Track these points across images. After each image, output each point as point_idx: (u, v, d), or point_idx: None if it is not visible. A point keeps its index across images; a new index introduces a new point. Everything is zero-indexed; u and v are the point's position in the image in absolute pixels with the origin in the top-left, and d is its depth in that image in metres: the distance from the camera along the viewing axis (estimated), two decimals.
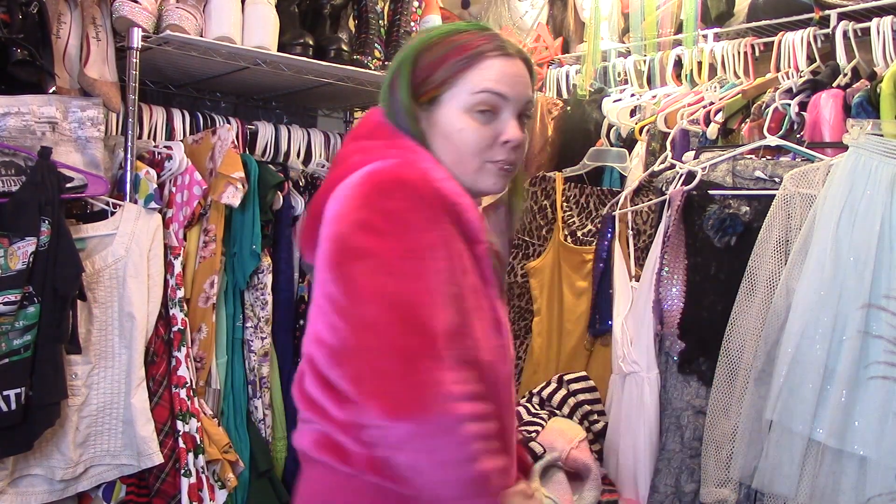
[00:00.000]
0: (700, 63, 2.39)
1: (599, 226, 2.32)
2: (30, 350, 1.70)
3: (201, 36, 2.12)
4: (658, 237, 1.98)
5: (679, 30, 2.51)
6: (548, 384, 2.17)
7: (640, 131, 2.37)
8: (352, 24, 2.54)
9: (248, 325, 2.14)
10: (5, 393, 1.66)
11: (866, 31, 2.02)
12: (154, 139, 2.23)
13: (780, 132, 1.96)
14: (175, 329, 1.97)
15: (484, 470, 0.96)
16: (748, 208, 1.87)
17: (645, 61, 2.54)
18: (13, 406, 1.67)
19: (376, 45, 2.45)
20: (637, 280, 2.08)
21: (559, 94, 2.73)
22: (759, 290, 1.76)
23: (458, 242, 1.05)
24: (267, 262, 2.15)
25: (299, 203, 2.33)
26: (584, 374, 2.17)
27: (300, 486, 1.10)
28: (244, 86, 2.54)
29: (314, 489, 1.08)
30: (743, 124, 2.13)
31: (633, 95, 2.50)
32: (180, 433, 1.91)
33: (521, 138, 1.16)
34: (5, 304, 1.66)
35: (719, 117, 2.14)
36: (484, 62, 1.14)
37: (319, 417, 1.03)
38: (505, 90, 1.13)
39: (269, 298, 2.16)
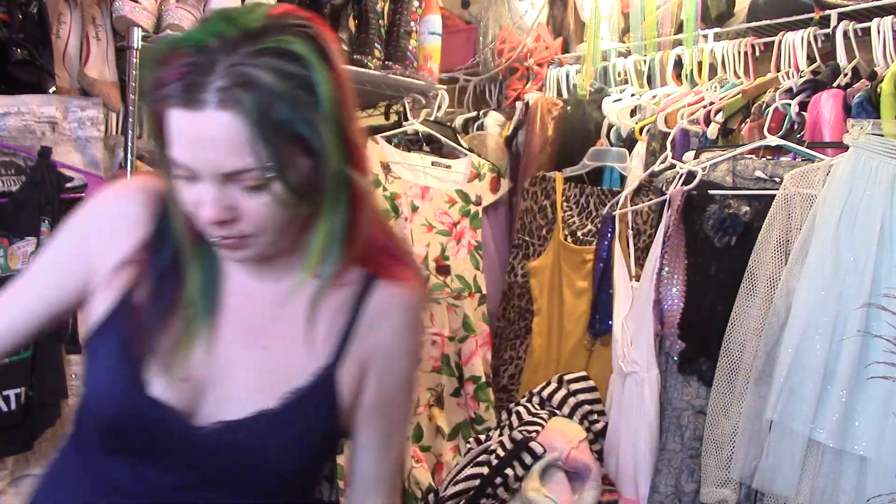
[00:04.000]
0: (700, 63, 2.39)
1: (599, 226, 2.32)
2: (30, 350, 1.70)
3: None
4: (658, 237, 1.98)
5: (679, 30, 2.51)
6: (548, 384, 2.17)
7: (640, 131, 2.37)
8: (352, 23, 2.54)
9: None
10: (5, 393, 1.66)
11: (866, 31, 2.02)
12: None
13: (781, 132, 1.95)
14: None
15: None
16: (748, 208, 1.87)
17: (645, 61, 2.54)
18: (13, 406, 1.67)
19: (376, 44, 2.45)
20: (637, 280, 2.08)
21: (559, 94, 2.73)
22: (759, 290, 1.76)
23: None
24: None
25: None
26: (584, 374, 2.17)
27: None
28: None
29: None
30: (743, 124, 2.13)
31: (633, 95, 2.50)
32: None
33: (216, 217, 0.81)
34: None
35: (719, 117, 2.14)
36: (168, 114, 0.80)
37: None
38: (186, 160, 0.80)
39: None
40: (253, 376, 0.90)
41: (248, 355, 0.91)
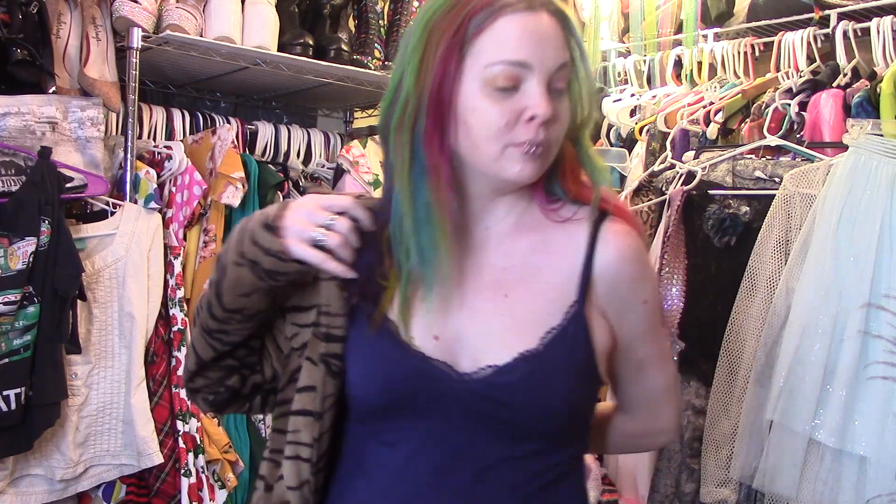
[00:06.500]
0: (700, 63, 2.39)
1: None
2: (30, 350, 1.70)
3: (201, 36, 2.11)
4: (658, 237, 1.98)
5: (679, 30, 2.51)
6: None
7: (640, 131, 2.37)
8: (352, 23, 2.54)
9: None
10: (5, 393, 1.66)
11: (866, 31, 2.02)
12: (154, 139, 2.23)
13: (780, 132, 1.96)
14: (175, 329, 1.97)
15: None
16: (748, 208, 1.87)
17: (645, 61, 2.54)
18: (13, 406, 1.67)
19: (376, 45, 2.45)
20: None
21: None
22: (759, 290, 1.76)
23: None
24: None
25: None
26: None
27: None
28: (244, 86, 2.54)
29: None
30: (743, 124, 2.14)
31: (633, 95, 2.50)
32: (180, 433, 1.91)
33: (549, 113, 0.91)
34: (5, 304, 1.66)
35: (719, 117, 2.14)
36: (499, 22, 0.92)
37: None
38: (526, 56, 0.92)
39: None
40: (506, 323, 0.96)
41: (493, 305, 0.97)
